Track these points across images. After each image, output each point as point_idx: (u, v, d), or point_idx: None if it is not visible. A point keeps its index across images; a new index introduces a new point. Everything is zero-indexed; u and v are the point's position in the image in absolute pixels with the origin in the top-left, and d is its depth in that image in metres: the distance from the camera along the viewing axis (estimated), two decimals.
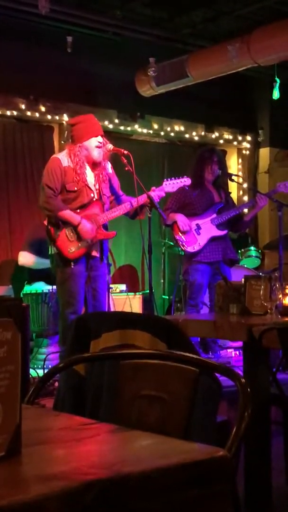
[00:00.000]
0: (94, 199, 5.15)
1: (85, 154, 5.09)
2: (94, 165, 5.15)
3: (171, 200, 6.04)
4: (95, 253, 5.16)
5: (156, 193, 5.26)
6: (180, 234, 5.91)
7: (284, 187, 6.01)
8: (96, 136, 5.10)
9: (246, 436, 1.40)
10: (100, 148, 5.11)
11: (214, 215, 5.98)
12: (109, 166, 5.26)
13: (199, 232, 5.92)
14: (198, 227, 5.93)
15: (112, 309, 6.43)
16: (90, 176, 5.14)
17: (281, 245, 6.00)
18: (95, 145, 5.09)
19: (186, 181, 5.57)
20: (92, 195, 5.14)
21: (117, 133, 8.36)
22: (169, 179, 5.50)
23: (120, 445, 1.25)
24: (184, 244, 5.90)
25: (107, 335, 2.34)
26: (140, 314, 5.82)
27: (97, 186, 5.16)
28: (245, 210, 6.64)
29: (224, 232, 6.00)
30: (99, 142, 5.11)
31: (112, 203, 5.28)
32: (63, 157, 5.10)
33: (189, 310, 5.99)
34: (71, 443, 1.22)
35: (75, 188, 5.07)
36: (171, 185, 5.46)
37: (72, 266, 5.04)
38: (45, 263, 6.13)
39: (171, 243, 7.35)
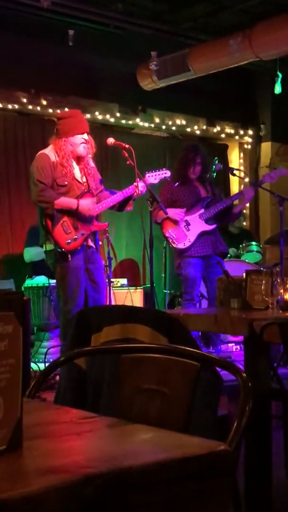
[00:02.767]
0: (85, 192, 5.20)
1: (70, 149, 5.14)
2: (79, 159, 5.22)
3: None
4: (91, 243, 5.21)
5: (141, 185, 5.29)
6: (170, 231, 5.94)
7: (269, 177, 6.04)
8: (82, 134, 5.16)
9: (246, 430, 1.40)
10: (85, 144, 5.17)
11: (202, 210, 6.00)
12: (91, 161, 5.31)
13: (189, 228, 5.95)
14: (187, 223, 5.96)
15: (113, 303, 6.43)
16: (76, 170, 5.21)
17: (282, 240, 6.00)
18: (80, 141, 5.15)
19: (166, 172, 5.63)
20: (82, 188, 5.20)
21: (118, 126, 8.36)
22: (150, 171, 5.55)
23: (121, 438, 1.25)
24: (174, 241, 5.93)
25: (108, 329, 2.34)
26: (141, 308, 5.82)
27: (84, 179, 5.23)
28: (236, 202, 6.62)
29: (213, 226, 6.02)
30: (84, 139, 5.17)
31: (98, 196, 5.33)
32: (50, 153, 5.14)
33: (185, 305, 5.99)
34: (71, 436, 1.23)
35: (65, 183, 5.12)
36: (153, 177, 5.52)
37: (70, 259, 5.06)
38: None
39: None
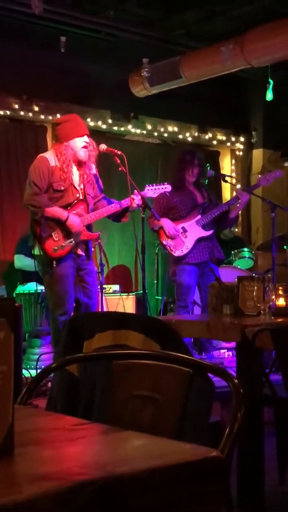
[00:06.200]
0: (79, 199, 5.15)
1: (70, 153, 5.08)
2: (79, 164, 5.16)
3: (154, 207, 6.02)
4: (80, 252, 5.14)
5: (137, 198, 5.23)
6: (167, 239, 5.92)
7: (264, 180, 6.03)
8: (82, 136, 5.10)
9: (239, 437, 1.40)
10: (86, 148, 5.11)
11: (199, 216, 5.99)
12: (93, 167, 5.25)
13: (186, 235, 5.94)
14: (184, 230, 5.95)
15: (105, 310, 6.43)
16: (75, 176, 5.15)
17: (274, 246, 6.01)
18: (81, 145, 5.09)
19: (167, 187, 5.61)
20: (77, 195, 5.14)
21: (110, 133, 8.36)
22: (151, 185, 5.54)
23: (113, 445, 1.24)
24: (172, 248, 5.91)
25: (100, 336, 2.34)
26: (133, 315, 5.82)
27: (81, 186, 5.16)
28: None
29: (210, 232, 6.01)
30: (85, 142, 5.11)
31: (95, 205, 5.28)
32: (50, 157, 5.08)
33: (179, 311, 5.98)
34: (64, 443, 1.22)
35: (62, 188, 5.06)
36: (153, 190, 5.50)
37: (54, 266, 5.01)
38: None
39: None
